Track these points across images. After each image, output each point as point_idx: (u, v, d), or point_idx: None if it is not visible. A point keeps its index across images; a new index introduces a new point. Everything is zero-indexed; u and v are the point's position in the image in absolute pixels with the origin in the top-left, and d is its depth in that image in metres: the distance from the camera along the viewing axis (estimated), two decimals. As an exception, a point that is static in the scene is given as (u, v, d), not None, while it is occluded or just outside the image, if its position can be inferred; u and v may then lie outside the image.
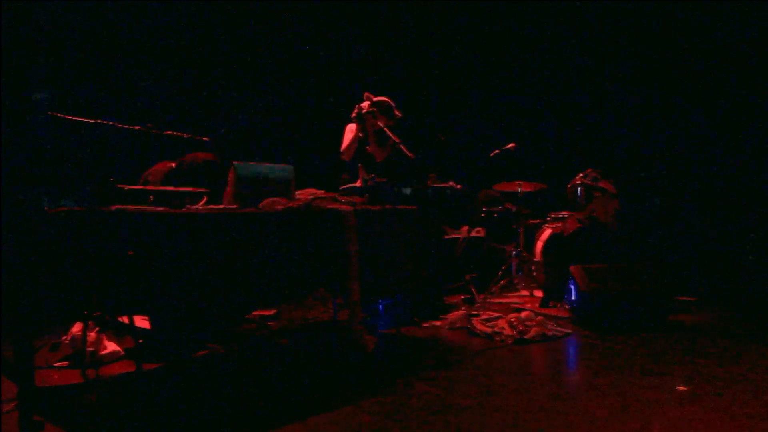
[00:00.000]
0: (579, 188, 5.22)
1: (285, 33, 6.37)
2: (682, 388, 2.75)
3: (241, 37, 6.15)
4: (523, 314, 3.95)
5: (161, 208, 2.62)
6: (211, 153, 3.55)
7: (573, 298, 4.23)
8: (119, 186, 2.67)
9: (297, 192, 3.28)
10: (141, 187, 3.15)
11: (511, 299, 5.02)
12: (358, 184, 3.67)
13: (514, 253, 5.34)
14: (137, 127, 3.18)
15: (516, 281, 5.34)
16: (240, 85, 6.24)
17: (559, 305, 4.56)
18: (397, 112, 4.22)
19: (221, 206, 2.92)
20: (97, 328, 3.23)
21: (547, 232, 5.23)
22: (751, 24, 5.87)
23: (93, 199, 2.55)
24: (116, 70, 5.49)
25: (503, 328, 3.81)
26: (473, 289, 4.77)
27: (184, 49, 5.85)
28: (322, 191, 3.43)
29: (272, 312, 4.26)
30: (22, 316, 2.05)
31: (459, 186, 5.00)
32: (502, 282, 5.27)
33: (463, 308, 4.38)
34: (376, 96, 4.24)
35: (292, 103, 6.49)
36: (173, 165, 3.72)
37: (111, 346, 3.25)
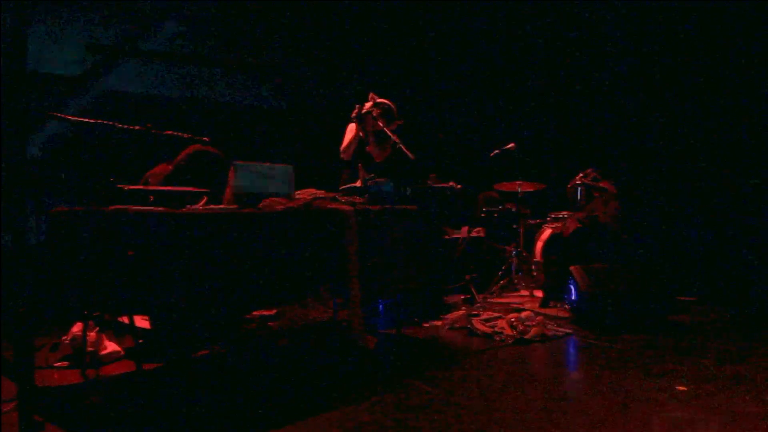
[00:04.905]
0: (579, 188, 5.22)
1: (285, 32, 6.36)
2: (682, 388, 2.75)
3: (241, 36, 6.15)
4: (523, 314, 3.95)
5: (161, 208, 2.62)
6: (205, 144, 3.52)
7: (573, 298, 4.23)
8: (119, 186, 2.67)
9: (297, 192, 3.28)
10: (141, 187, 3.15)
11: (511, 299, 5.02)
12: (358, 184, 3.67)
13: (514, 253, 5.34)
14: (137, 127, 3.18)
15: (516, 281, 5.34)
16: (240, 84, 6.24)
17: (559, 305, 4.57)
18: (398, 120, 4.20)
19: (221, 206, 2.92)
20: (97, 328, 3.23)
21: (547, 232, 5.23)
22: (752, 23, 5.87)
23: (93, 199, 2.54)
24: (115, 70, 5.49)
25: (503, 328, 3.81)
26: (473, 289, 4.77)
27: (183, 47, 5.84)
28: (322, 191, 3.43)
29: (272, 312, 4.26)
30: (22, 316, 2.05)
31: (459, 186, 5.00)
32: (502, 282, 5.27)
33: (463, 308, 4.38)
34: (380, 98, 4.24)
35: (292, 103, 6.49)
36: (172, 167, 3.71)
37: (111, 346, 3.25)
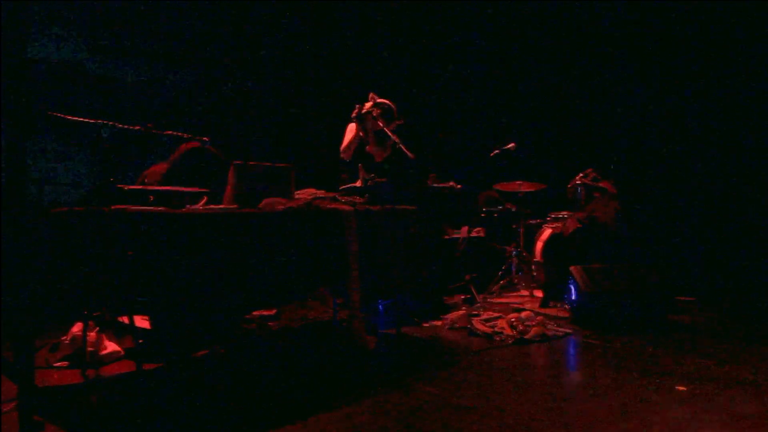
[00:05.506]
0: (579, 188, 5.22)
1: (285, 32, 6.36)
2: (682, 388, 2.75)
3: (241, 36, 6.15)
4: (523, 314, 3.95)
5: (161, 208, 2.62)
6: (199, 142, 3.51)
7: (573, 298, 4.23)
8: (119, 186, 2.67)
9: (297, 192, 3.27)
10: (141, 187, 3.15)
11: (511, 299, 5.02)
12: (358, 184, 3.67)
13: (514, 253, 5.34)
14: (137, 127, 3.17)
15: (516, 281, 5.34)
16: (240, 84, 6.24)
17: (559, 305, 4.57)
18: (398, 120, 4.19)
19: (221, 206, 2.92)
20: (97, 328, 3.23)
21: (547, 232, 5.23)
22: (752, 23, 5.87)
23: (93, 199, 2.54)
24: (115, 70, 5.50)
25: (503, 328, 3.81)
26: (473, 289, 4.77)
27: (184, 48, 5.84)
28: (322, 191, 3.43)
29: (272, 312, 4.26)
30: (22, 316, 2.05)
31: (459, 186, 4.99)
32: (502, 282, 5.27)
33: (463, 308, 4.38)
34: (380, 98, 4.23)
35: (292, 103, 6.49)
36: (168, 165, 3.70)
37: (111, 346, 3.25)
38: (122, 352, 3.27)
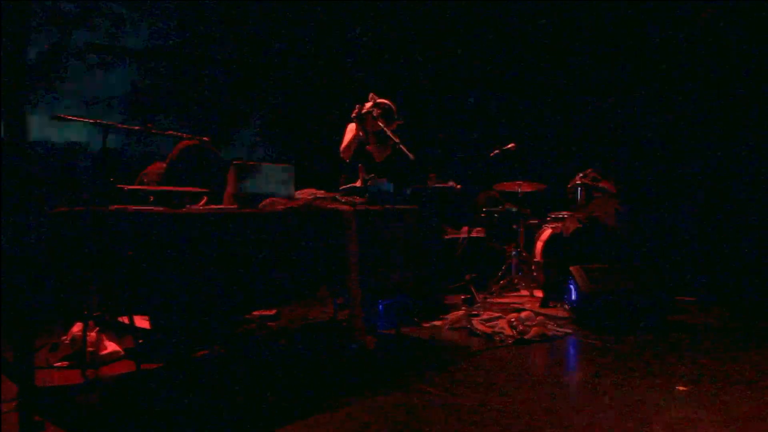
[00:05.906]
0: (579, 188, 5.22)
1: (286, 32, 6.37)
2: (682, 388, 2.75)
3: (241, 36, 6.15)
4: (523, 314, 3.95)
5: (161, 208, 2.62)
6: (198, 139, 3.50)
7: (573, 298, 4.23)
8: (119, 186, 2.67)
9: (297, 192, 3.28)
10: (141, 187, 3.15)
11: (511, 299, 5.02)
12: (358, 184, 3.67)
13: (514, 253, 5.33)
14: (137, 127, 3.18)
15: (516, 281, 5.34)
16: (240, 84, 6.24)
17: (559, 305, 4.57)
18: (398, 120, 4.19)
19: (221, 206, 2.92)
20: (97, 328, 3.23)
21: (547, 232, 5.23)
22: (751, 23, 5.87)
23: (93, 199, 2.54)
24: (116, 70, 5.50)
25: (503, 328, 3.81)
26: (473, 289, 4.77)
27: (184, 48, 5.85)
28: (322, 191, 3.43)
29: (272, 312, 4.25)
30: (22, 316, 2.05)
31: (459, 186, 4.99)
32: (502, 282, 5.27)
33: (463, 308, 4.38)
34: (380, 98, 4.23)
35: (292, 103, 6.49)
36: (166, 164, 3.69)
37: (111, 346, 3.25)
38: (122, 352, 3.27)
